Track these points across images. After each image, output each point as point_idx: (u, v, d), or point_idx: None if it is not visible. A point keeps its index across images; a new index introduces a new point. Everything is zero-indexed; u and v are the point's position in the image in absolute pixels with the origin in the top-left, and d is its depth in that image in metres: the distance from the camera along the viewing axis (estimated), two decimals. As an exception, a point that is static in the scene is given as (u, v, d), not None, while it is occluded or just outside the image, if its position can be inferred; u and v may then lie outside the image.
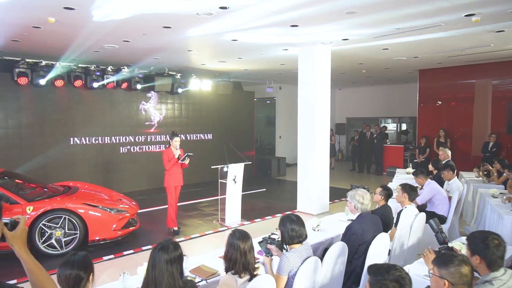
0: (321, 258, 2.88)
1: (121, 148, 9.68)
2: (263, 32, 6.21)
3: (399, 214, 3.93)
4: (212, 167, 6.92)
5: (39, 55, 7.94)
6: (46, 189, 5.78)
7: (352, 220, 3.56)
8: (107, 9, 4.93)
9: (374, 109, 15.33)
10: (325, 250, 3.83)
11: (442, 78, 10.37)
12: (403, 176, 7.66)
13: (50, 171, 8.43)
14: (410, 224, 3.73)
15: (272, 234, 3.37)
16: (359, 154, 13.49)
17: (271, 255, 2.75)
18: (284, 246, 3.22)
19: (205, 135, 11.46)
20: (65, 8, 4.83)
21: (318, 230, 3.92)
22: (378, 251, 3.15)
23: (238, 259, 2.37)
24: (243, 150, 10.96)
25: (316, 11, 5.02)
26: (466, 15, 5.21)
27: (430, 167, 6.30)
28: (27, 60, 7.80)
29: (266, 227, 6.60)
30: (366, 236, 3.20)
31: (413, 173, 5.50)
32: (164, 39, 6.66)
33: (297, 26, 5.84)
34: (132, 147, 9.88)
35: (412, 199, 4.09)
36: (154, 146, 10.30)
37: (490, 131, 9.39)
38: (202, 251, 5.51)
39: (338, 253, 2.95)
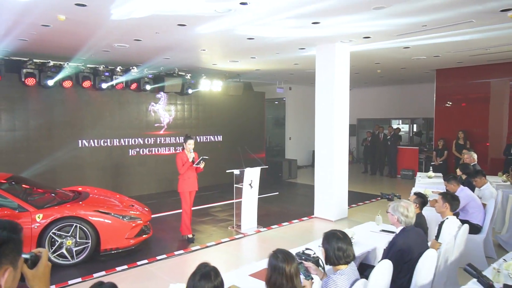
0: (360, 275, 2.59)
1: (130, 150, 9.41)
2: (282, 29, 5.92)
3: (440, 226, 3.62)
4: (227, 171, 6.62)
5: (47, 55, 7.69)
6: (55, 195, 5.52)
7: (392, 232, 3.25)
8: (122, 6, 4.66)
9: (386, 110, 14.98)
10: (360, 265, 3.53)
11: (460, 77, 10.03)
12: (425, 180, 7.33)
13: (58, 175, 8.18)
14: (454, 237, 3.42)
15: (307, 249, 3.07)
16: (372, 156, 13.15)
17: (312, 278, 2.45)
18: (321, 263, 2.92)
19: (215, 136, 11.17)
20: (77, 4, 4.56)
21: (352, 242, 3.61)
22: (426, 269, 2.84)
23: (284, 285, 2.07)
24: (254, 152, 10.68)
25: (341, 5, 4.72)
26: (502, 10, 4.89)
27: (458, 171, 5.97)
28: (34, 60, 7.55)
29: (284, 235, 6.32)
30: (412, 253, 2.89)
31: (444, 179, 5.18)
32: (177, 37, 6.38)
33: (318, 23, 5.54)
34: (141, 150, 9.61)
35: (454, 210, 3.78)
36: (164, 148, 10.03)
37: (507, 133, 9.06)
38: (220, 261, 5.23)
39: (385, 273, 2.65)
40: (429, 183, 7.04)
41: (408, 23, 5.54)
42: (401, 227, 3.07)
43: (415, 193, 4.38)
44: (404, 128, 15.23)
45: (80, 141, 8.58)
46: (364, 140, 13.50)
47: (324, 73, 7.15)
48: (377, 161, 12.96)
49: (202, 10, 4.88)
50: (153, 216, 7.06)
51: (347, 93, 7.28)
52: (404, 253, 2.88)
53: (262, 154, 12.00)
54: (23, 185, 5.52)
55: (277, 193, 9.66)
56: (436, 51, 7.70)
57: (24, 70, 7.40)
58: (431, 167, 8.31)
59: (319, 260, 2.92)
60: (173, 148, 10.16)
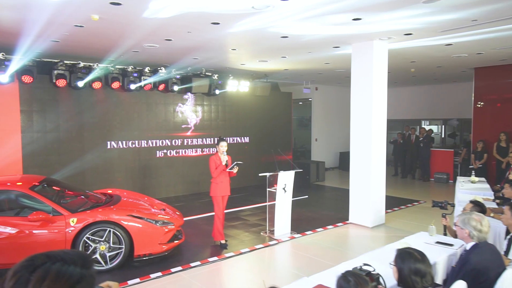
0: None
1: (157, 152, 9.32)
2: (319, 26, 5.64)
3: (511, 240, 3.27)
4: (260, 174, 6.39)
5: (77, 56, 7.67)
6: (87, 198, 5.43)
7: (450, 245, 2.93)
8: (158, 4, 4.50)
9: (416, 111, 14.41)
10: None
11: (501, 76, 9.46)
12: (468, 185, 6.87)
13: (87, 177, 8.16)
14: (527, 253, 3.07)
15: (365, 264, 2.79)
16: (402, 158, 12.65)
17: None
18: (381, 281, 2.65)
19: (242, 138, 10.97)
20: (112, 3, 4.43)
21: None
22: (505, 291, 2.51)
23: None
24: (281, 154, 10.43)
25: (388, 0, 4.41)
26: None
27: None
28: (65, 61, 7.53)
29: (320, 241, 6.03)
30: (488, 272, 2.57)
31: (508, 182, 4.76)
32: (208, 36, 6.20)
33: (360, 19, 5.24)
34: (168, 151, 9.51)
35: (524, 221, 3.42)
36: (191, 150, 9.90)
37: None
38: (256, 270, 5.00)
39: (461, 296, 2.35)
40: (473, 188, 6.60)
41: (457, 17, 5.16)
42: (472, 243, 2.75)
43: (471, 201, 4.03)
44: (435, 129, 14.61)
45: (108, 142, 8.53)
46: (394, 141, 12.96)
47: (361, 72, 6.82)
48: (408, 164, 12.45)
49: (240, 7, 4.66)
50: (194, 218, 6.95)
51: (385, 93, 6.93)
52: (479, 273, 2.56)
53: (289, 156, 11.73)
54: (55, 188, 5.46)
55: (307, 196, 9.37)
56: (480, 48, 7.24)
57: (55, 72, 7.38)
58: (473, 171, 7.82)
59: (380, 277, 2.66)
60: (200, 149, 10.03)
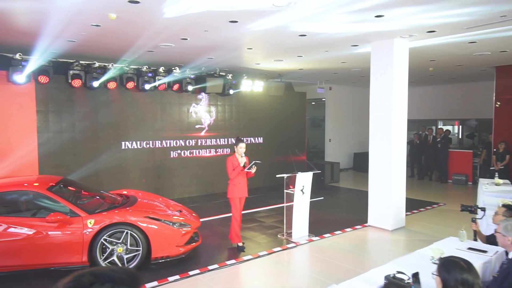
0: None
1: (171, 152, 9.27)
2: (339, 24, 5.50)
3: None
4: (277, 175, 6.25)
5: (92, 57, 7.65)
6: (103, 199, 5.37)
7: (483, 251, 2.76)
8: (176, 2, 4.41)
9: (432, 111, 14.10)
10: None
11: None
12: (492, 188, 6.63)
13: (102, 177, 8.13)
14: None
15: (398, 272, 2.65)
16: (419, 159, 12.38)
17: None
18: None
19: (256, 138, 10.86)
20: (130, 2, 4.36)
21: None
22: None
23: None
24: (294, 154, 10.29)
25: (415, -4, 4.25)
26: None
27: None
28: (81, 62, 7.52)
29: (339, 245, 5.87)
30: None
31: None
32: (225, 35, 6.10)
33: (382, 16, 5.07)
34: (182, 152, 9.45)
35: None
36: (205, 150, 9.83)
37: None
38: (276, 274, 4.87)
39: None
40: (498, 191, 6.36)
41: (485, 12, 4.95)
42: (515, 251, 2.58)
43: (504, 205, 3.84)
44: (450, 129, 14.25)
45: (123, 143, 8.50)
46: (410, 142, 12.69)
47: (380, 72, 6.64)
48: (425, 165, 12.18)
49: (260, 5, 4.55)
50: (209, 220, 6.86)
51: (405, 93, 6.74)
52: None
53: (303, 157, 11.57)
54: (71, 188, 5.41)
55: (322, 198, 9.21)
56: (505, 45, 7.00)
57: (71, 72, 7.37)
58: (496, 173, 7.57)
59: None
60: (213, 150, 9.95)
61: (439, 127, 12.57)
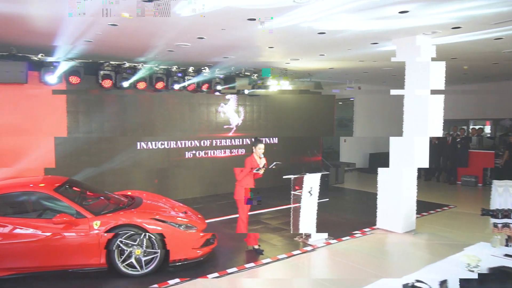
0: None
1: (195, 152, 9.35)
2: (359, 21, 5.30)
3: None
4: (284, 177, 6.05)
5: (108, 57, 7.62)
6: (109, 200, 5.28)
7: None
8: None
9: (463, 110, 13.50)
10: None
11: None
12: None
13: (131, 176, 8.34)
14: None
15: (417, 281, 2.50)
16: (437, 160, 12.01)
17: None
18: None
19: (271, 139, 10.74)
20: (144, 0, 4.29)
21: (478, 271, 2.96)
22: None
23: None
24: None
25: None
26: None
27: None
28: (111, 62, 7.54)
29: (358, 248, 5.69)
30: None
31: None
32: (241, 34, 5.97)
33: (407, 12, 4.88)
34: (211, 151, 9.56)
35: None
36: (234, 150, 9.86)
37: None
38: (301, 278, 4.73)
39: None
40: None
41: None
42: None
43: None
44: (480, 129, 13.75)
45: (145, 143, 8.62)
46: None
47: (416, 70, 6.29)
48: (443, 166, 11.82)
49: (280, 1, 4.42)
50: (211, 220, 6.75)
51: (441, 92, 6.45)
52: None
53: (319, 157, 11.44)
54: (77, 189, 5.32)
55: (327, 199, 8.83)
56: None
57: (101, 72, 7.42)
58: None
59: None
60: (240, 150, 9.97)
61: (462, 127, 12.11)
